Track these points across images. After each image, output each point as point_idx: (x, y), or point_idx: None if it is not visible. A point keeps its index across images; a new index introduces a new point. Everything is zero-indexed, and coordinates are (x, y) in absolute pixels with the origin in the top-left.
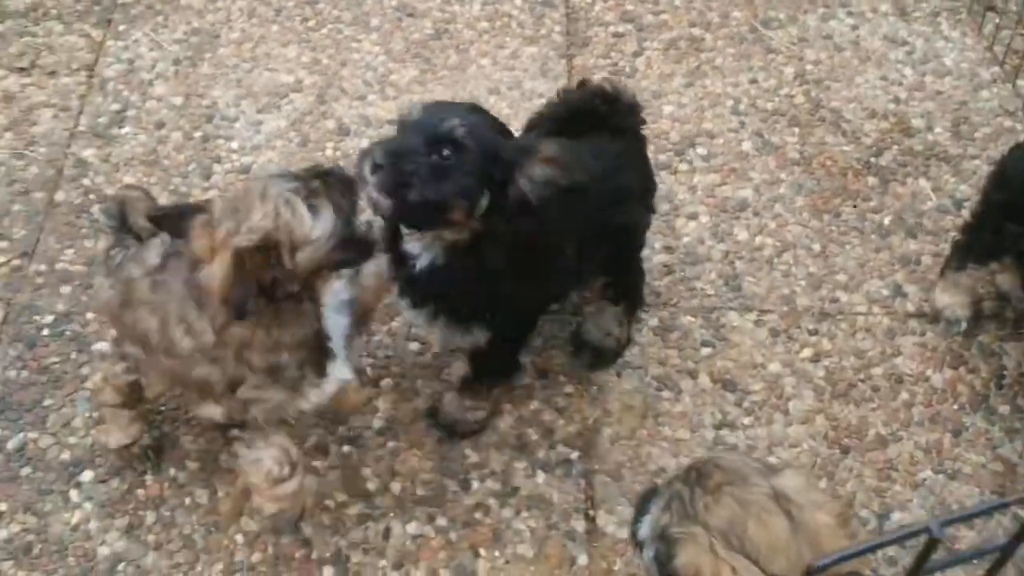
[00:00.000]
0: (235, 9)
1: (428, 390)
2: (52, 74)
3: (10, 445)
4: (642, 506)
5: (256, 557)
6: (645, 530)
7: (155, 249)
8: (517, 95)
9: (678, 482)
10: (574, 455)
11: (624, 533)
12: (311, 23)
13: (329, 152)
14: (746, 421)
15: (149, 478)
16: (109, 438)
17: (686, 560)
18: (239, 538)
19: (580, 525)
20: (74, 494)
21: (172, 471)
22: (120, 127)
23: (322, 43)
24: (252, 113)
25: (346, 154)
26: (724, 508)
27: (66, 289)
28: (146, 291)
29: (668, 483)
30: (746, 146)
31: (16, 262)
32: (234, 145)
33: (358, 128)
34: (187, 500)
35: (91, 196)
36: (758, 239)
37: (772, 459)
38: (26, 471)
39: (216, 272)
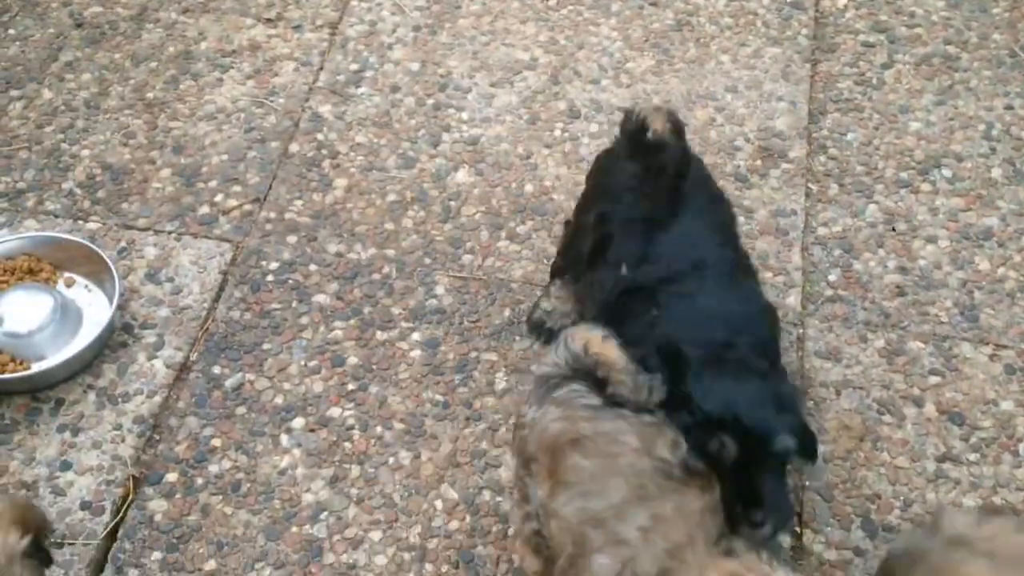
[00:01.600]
0: None
1: None
2: (297, 28)
3: (228, 383)
4: None
5: (454, 525)
6: None
7: None
8: (755, 95)
9: None
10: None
11: (831, 555)
12: (551, 2)
13: (558, 133)
14: (971, 457)
15: (356, 433)
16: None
17: None
18: (438, 504)
19: (785, 541)
20: (284, 439)
21: (379, 429)
22: (357, 86)
23: (560, 23)
24: (485, 86)
25: (574, 136)
26: None
27: (292, 238)
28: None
29: None
30: (995, 173)
31: (248, 207)
32: (464, 116)
33: (588, 112)
34: (391, 460)
35: (323, 151)
36: (1000, 271)
37: (996, 499)
38: (241, 410)
39: None
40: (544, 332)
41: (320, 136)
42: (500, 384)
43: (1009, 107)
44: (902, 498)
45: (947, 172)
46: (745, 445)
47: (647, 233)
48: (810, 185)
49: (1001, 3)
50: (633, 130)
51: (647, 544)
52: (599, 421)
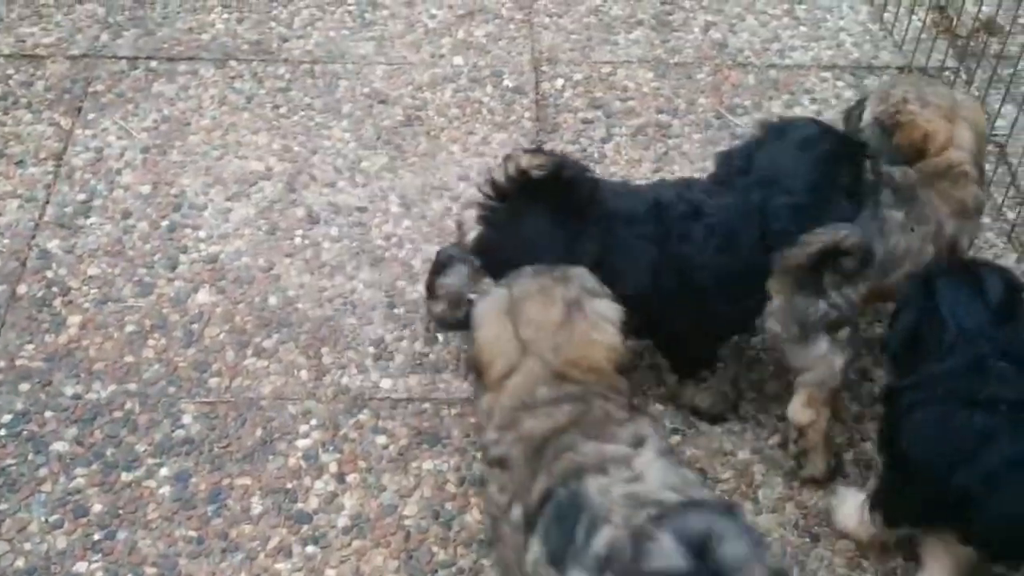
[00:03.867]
0: (206, 96)
1: (395, 486)
2: (20, 163)
3: None
4: None
5: None
6: None
7: None
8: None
9: None
10: None
11: None
12: (282, 110)
13: (298, 240)
14: None
15: None
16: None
17: None
18: None
19: None
20: None
21: None
22: (86, 217)
23: (293, 130)
24: (221, 201)
25: (315, 242)
26: None
27: (25, 386)
28: None
29: None
30: None
31: None
32: (202, 234)
33: (328, 216)
34: None
35: (54, 288)
36: None
37: None
38: None
39: None
40: None
41: (49, 273)
42: (256, 509)
43: None
44: None
45: None
46: None
47: None
48: None
49: (704, 68)
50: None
51: None
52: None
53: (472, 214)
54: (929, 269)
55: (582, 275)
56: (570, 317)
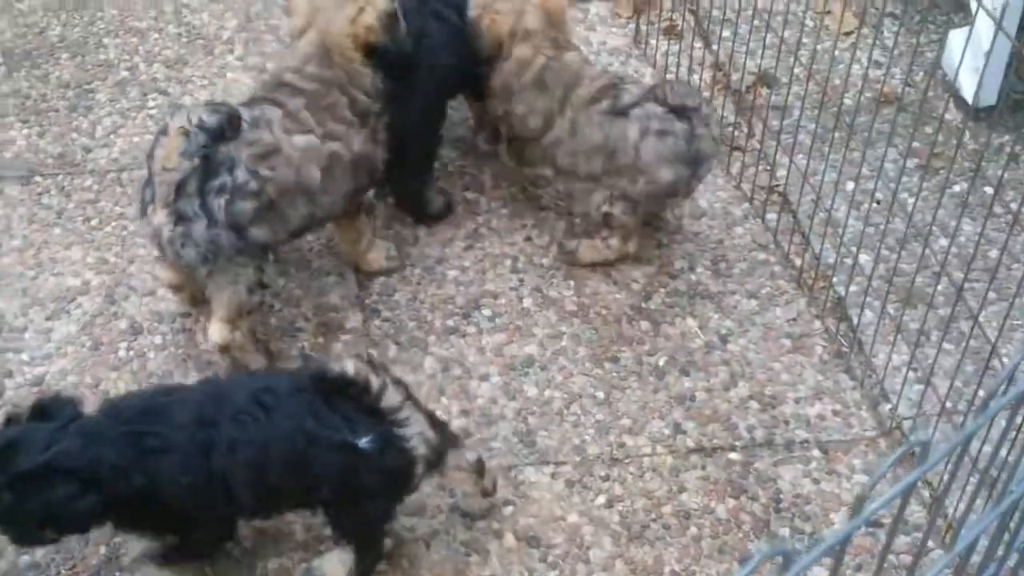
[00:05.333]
0: (15, 216)
1: None
2: None
3: None
4: None
5: None
6: None
7: None
8: (306, 275)
9: None
10: None
11: None
12: (93, 222)
13: (123, 353)
14: (551, 575)
15: None
16: None
17: None
18: None
19: None
20: None
21: None
22: None
23: (107, 241)
24: (41, 321)
25: (140, 352)
26: None
27: None
28: None
29: None
30: (527, 303)
31: None
32: (25, 357)
33: (151, 325)
34: None
35: None
36: (547, 392)
37: None
38: None
39: None
40: None
41: None
42: None
43: (528, 238)
44: None
45: (487, 311)
46: None
47: None
48: (370, 350)
49: None
50: None
51: None
52: None
53: None
54: None
55: None
56: None
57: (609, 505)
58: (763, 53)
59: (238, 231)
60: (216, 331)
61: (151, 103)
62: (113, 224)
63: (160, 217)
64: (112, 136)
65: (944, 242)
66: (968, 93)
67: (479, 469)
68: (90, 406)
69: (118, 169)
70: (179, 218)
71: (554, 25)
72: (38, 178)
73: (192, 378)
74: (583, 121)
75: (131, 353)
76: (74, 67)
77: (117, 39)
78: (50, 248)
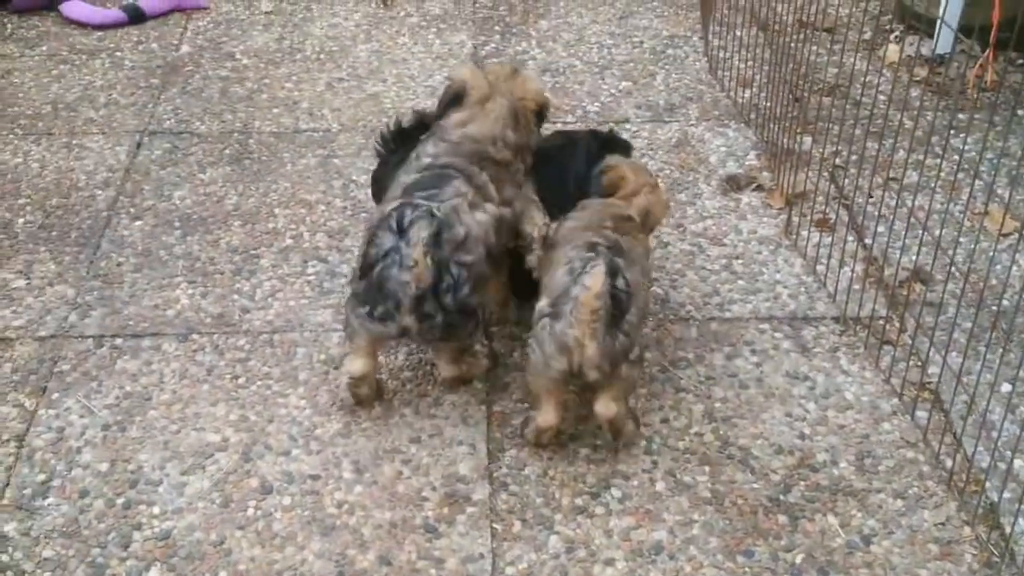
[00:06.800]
0: (168, 371)
1: None
2: None
3: None
4: None
5: None
6: None
7: None
8: (438, 443)
9: None
10: None
11: None
12: (240, 380)
13: (251, 512)
14: None
15: None
16: None
17: None
18: None
19: None
20: None
21: None
22: (44, 498)
23: (250, 400)
24: (176, 475)
25: (267, 513)
26: None
27: None
28: None
29: None
30: (660, 487)
31: None
32: (156, 510)
33: (280, 485)
34: None
35: (8, 572)
36: None
37: None
38: None
39: None
40: None
41: (4, 557)
42: None
43: (664, 420)
44: None
45: (617, 492)
46: None
47: None
48: (494, 525)
49: (647, 323)
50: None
51: None
52: None
53: None
54: None
55: None
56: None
57: None
58: (919, 250)
59: (467, 314)
60: (445, 369)
61: (310, 270)
62: (259, 383)
63: (407, 320)
64: (270, 299)
65: None
66: None
67: None
68: (208, 565)
69: (271, 331)
70: (423, 317)
71: (649, 223)
72: (195, 336)
73: (315, 541)
74: None
75: (258, 512)
76: (244, 234)
77: (287, 210)
78: (196, 404)
